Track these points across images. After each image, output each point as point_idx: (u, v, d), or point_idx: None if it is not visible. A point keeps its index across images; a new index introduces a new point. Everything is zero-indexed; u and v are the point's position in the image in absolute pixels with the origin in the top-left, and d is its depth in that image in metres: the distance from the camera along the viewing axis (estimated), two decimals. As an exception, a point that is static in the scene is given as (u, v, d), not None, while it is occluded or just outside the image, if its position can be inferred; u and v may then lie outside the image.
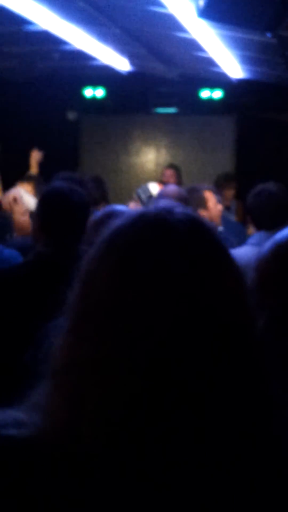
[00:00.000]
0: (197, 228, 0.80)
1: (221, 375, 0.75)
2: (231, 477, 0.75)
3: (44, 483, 0.73)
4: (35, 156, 6.05)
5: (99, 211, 2.86)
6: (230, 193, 6.66)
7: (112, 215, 0.89)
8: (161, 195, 3.64)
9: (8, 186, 4.32)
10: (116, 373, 0.73)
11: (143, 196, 4.13)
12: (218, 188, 6.61)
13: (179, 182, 6.64)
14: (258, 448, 0.77)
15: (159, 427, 0.73)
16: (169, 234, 0.78)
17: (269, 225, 3.03)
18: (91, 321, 0.76)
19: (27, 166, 5.97)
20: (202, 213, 3.84)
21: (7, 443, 0.76)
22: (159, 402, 0.73)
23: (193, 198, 3.75)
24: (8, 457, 0.75)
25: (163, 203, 0.85)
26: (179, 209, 0.81)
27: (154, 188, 4.21)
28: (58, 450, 0.74)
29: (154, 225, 0.78)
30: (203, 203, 3.82)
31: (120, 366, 0.73)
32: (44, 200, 2.42)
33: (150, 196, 4.10)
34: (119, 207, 2.63)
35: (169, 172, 7.02)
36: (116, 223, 0.81)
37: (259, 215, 3.09)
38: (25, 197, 3.68)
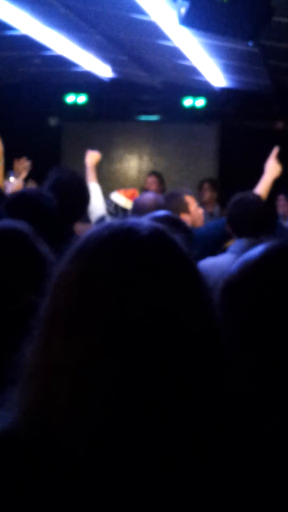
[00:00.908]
0: (160, 238, 0.85)
1: (185, 380, 0.79)
2: (202, 476, 0.79)
3: (17, 472, 0.78)
4: (24, 165, 5.81)
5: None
6: (208, 194, 6.81)
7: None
8: (137, 203, 3.61)
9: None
10: (83, 373, 0.79)
11: (110, 209, 4.13)
12: (200, 191, 6.78)
13: (161, 189, 6.64)
14: (232, 457, 0.81)
15: (113, 415, 0.78)
16: (132, 242, 0.83)
17: (250, 233, 3.09)
18: (60, 322, 0.82)
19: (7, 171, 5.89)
20: (184, 217, 3.84)
21: None
22: (116, 395, 0.78)
23: (174, 202, 3.77)
24: None
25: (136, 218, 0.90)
26: (146, 221, 0.87)
27: (117, 197, 4.19)
28: (30, 442, 0.79)
29: (119, 234, 0.84)
30: (184, 208, 3.85)
31: (87, 367, 0.79)
32: (10, 206, 2.41)
33: (116, 206, 4.10)
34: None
35: (151, 179, 7.03)
36: (87, 233, 0.87)
37: (240, 223, 3.15)
38: None
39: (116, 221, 0.87)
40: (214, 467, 0.80)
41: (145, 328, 0.79)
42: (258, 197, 3.25)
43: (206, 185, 7.02)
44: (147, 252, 0.83)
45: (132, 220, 0.87)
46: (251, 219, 3.13)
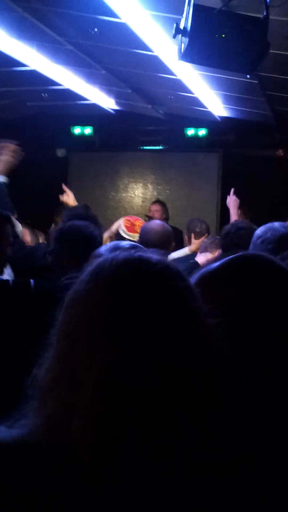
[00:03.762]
0: (167, 268, 0.92)
1: (198, 396, 0.84)
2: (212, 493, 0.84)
3: (37, 477, 0.82)
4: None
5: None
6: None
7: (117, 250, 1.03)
8: (144, 230, 3.72)
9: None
10: (103, 386, 0.83)
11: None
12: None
13: (165, 217, 6.78)
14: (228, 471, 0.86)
15: (131, 432, 0.83)
16: (146, 264, 0.90)
17: None
18: (82, 338, 0.87)
19: (16, 202, 6.04)
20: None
21: None
22: (128, 408, 0.83)
23: None
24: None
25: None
26: (154, 252, 0.95)
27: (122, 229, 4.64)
28: (50, 448, 0.83)
29: (132, 259, 0.91)
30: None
31: (107, 380, 0.83)
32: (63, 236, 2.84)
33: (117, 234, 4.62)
34: (123, 243, 2.74)
35: (155, 207, 7.16)
36: (101, 258, 0.93)
37: (233, 250, 3.29)
38: None
39: (125, 251, 0.94)
40: (231, 483, 0.84)
41: (159, 342, 0.84)
42: (247, 223, 3.41)
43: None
44: (159, 274, 0.90)
45: (140, 251, 0.95)
46: (243, 244, 3.28)
